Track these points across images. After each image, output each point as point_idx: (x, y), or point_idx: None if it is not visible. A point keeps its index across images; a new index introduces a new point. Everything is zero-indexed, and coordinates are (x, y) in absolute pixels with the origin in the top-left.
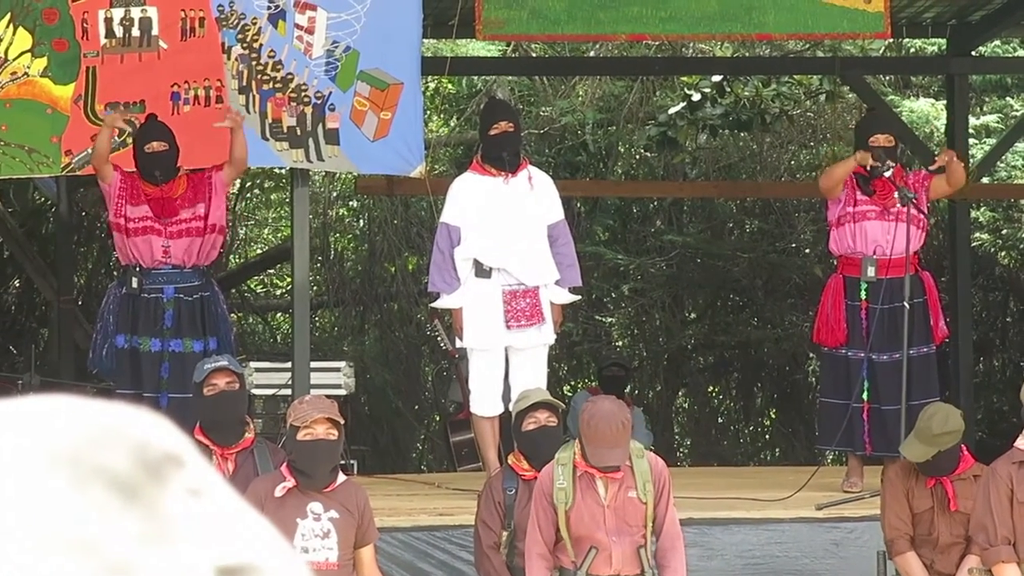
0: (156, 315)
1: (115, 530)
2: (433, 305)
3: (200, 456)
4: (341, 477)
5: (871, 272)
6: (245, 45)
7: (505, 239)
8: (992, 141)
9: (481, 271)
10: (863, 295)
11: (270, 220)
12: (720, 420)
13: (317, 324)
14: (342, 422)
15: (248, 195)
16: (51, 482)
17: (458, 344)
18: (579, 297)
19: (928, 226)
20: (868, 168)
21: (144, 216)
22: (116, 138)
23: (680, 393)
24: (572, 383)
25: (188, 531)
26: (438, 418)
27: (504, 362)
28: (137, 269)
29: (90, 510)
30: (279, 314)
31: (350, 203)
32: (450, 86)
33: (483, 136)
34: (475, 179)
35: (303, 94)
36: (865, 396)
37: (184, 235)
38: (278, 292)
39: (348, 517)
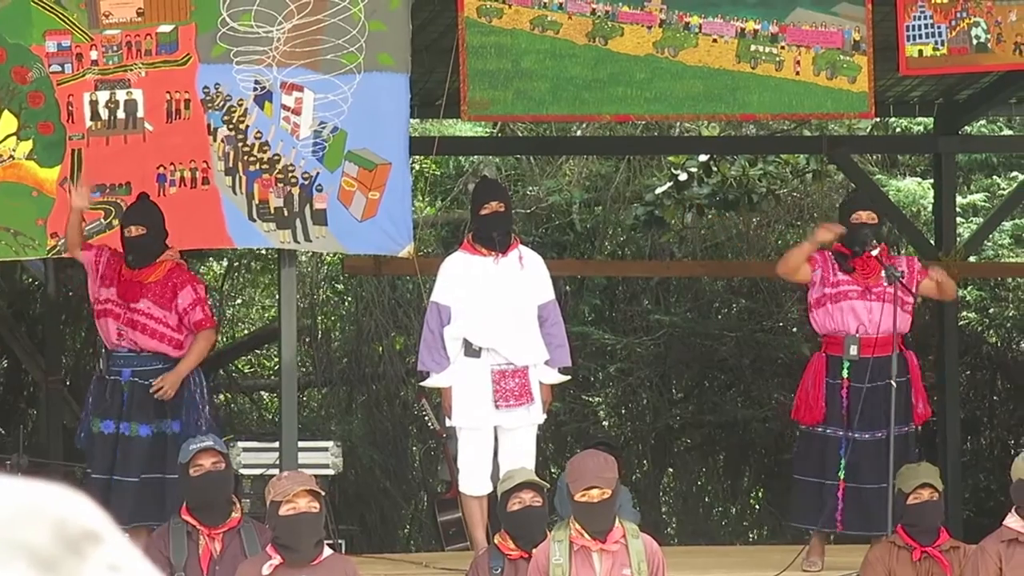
0: (113, 397)
1: None
2: (422, 384)
3: (118, 532)
4: (327, 551)
5: (853, 351)
6: (231, 126)
7: (495, 319)
8: (979, 220)
9: (470, 350)
10: (845, 373)
11: (257, 300)
12: (707, 499)
13: (305, 404)
14: (323, 494)
15: (235, 275)
16: None
17: (447, 423)
18: (568, 377)
19: (913, 308)
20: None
21: (108, 298)
22: (102, 220)
23: (667, 472)
24: (559, 463)
25: None
26: (426, 498)
27: (493, 441)
28: (103, 351)
29: None
30: (266, 394)
31: (336, 284)
32: (434, 167)
33: (474, 216)
34: (466, 258)
35: (290, 175)
36: (841, 474)
37: (137, 327)
38: (265, 372)
39: None
